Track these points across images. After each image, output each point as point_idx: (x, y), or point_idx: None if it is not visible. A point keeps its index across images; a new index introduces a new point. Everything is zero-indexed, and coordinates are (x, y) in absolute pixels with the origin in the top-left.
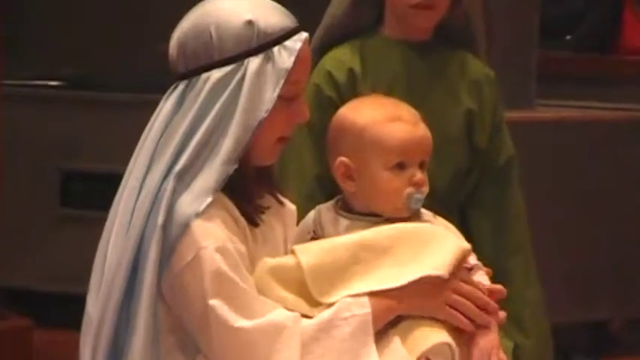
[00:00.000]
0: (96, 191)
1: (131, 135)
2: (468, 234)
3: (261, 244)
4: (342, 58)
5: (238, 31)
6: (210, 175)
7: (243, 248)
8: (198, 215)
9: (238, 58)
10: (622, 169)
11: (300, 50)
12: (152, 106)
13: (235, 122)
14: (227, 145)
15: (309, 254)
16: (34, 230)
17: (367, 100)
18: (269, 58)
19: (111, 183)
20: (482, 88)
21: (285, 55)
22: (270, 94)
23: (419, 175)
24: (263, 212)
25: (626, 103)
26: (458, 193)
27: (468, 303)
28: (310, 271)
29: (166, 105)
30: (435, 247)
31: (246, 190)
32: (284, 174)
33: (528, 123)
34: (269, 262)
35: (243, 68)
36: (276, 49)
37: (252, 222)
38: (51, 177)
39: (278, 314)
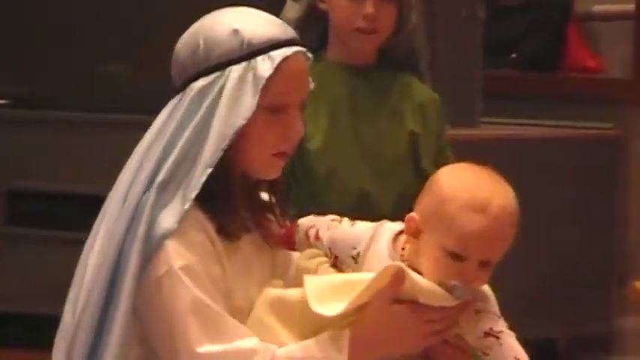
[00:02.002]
0: (42, 210)
1: (78, 154)
2: None
3: (241, 265)
4: None
5: (224, 40)
6: (191, 185)
7: (216, 270)
8: (175, 232)
9: (222, 66)
10: (567, 186)
11: (287, 61)
12: (99, 125)
13: (213, 130)
14: (205, 153)
15: (315, 282)
16: None
17: (477, 172)
18: (252, 67)
19: (57, 202)
20: (426, 112)
21: (267, 65)
22: (249, 102)
23: (472, 273)
24: (248, 231)
25: (572, 120)
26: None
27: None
28: (309, 283)
29: (159, 117)
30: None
31: (231, 202)
32: None
33: (471, 141)
34: (271, 292)
35: (225, 77)
36: (260, 58)
37: (232, 236)
38: None
39: (247, 342)
